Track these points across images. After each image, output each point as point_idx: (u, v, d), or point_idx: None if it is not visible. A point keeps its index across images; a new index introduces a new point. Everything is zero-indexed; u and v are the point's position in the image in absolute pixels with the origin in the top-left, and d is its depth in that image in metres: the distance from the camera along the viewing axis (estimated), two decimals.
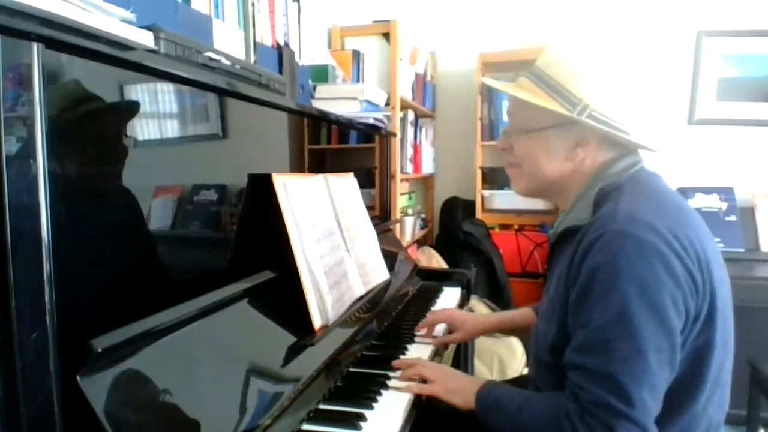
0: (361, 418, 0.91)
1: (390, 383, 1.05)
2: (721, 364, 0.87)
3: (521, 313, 1.38)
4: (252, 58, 1.35)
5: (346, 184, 1.43)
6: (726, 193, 2.62)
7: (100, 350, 0.60)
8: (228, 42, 1.23)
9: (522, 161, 1.01)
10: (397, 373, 1.09)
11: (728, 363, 0.90)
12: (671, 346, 0.79)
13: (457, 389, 1.02)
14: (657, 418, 0.80)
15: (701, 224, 0.89)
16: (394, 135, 2.15)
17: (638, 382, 0.77)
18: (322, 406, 0.95)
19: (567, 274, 0.88)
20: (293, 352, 0.96)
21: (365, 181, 1.77)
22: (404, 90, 2.51)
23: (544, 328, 0.97)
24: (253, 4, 1.37)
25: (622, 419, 0.77)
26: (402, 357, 1.18)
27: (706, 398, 0.85)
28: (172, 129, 0.84)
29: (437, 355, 1.33)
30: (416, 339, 1.34)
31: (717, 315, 0.84)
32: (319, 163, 1.46)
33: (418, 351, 1.26)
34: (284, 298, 1.03)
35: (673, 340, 0.79)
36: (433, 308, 1.60)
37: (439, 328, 1.39)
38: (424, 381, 1.05)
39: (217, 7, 1.23)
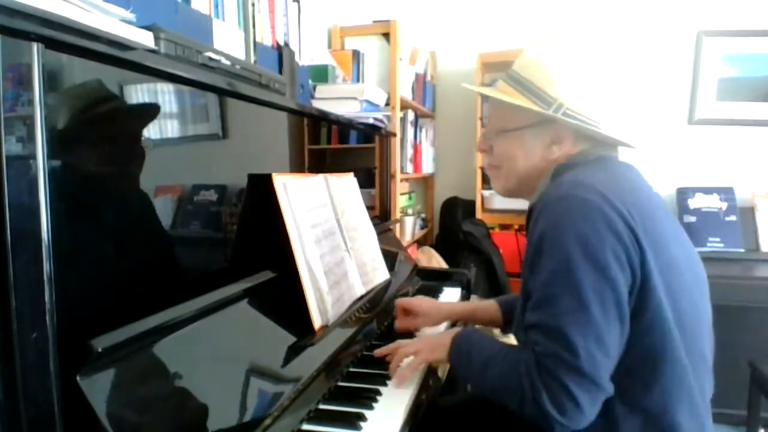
0: (361, 418, 0.91)
1: (389, 382, 1.05)
2: (689, 337, 0.86)
3: (488, 304, 1.35)
4: (252, 58, 1.35)
5: (346, 184, 1.43)
6: (726, 193, 2.62)
7: (100, 350, 0.60)
8: (228, 42, 1.23)
9: (501, 162, 1.05)
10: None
11: (706, 341, 0.90)
12: (616, 298, 0.80)
13: (437, 344, 1.05)
14: (633, 390, 0.83)
15: (658, 207, 0.91)
16: (394, 135, 2.15)
17: (583, 334, 0.79)
18: (322, 406, 0.95)
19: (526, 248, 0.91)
20: (293, 352, 0.96)
21: (365, 181, 1.77)
22: (404, 90, 2.51)
23: (519, 315, 0.99)
24: (253, 4, 1.37)
25: (571, 371, 0.79)
26: (383, 348, 1.14)
27: (680, 371, 0.85)
28: (171, 129, 0.84)
29: None
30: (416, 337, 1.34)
31: (661, 281, 0.83)
32: (319, 163, 1.46)
33: None
34: (284, 298, 1.03)
35: (617, 292, 0.80)
36: None
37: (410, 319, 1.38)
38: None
39: (217, 7, 1.23)
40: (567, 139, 0.97)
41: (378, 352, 1.14)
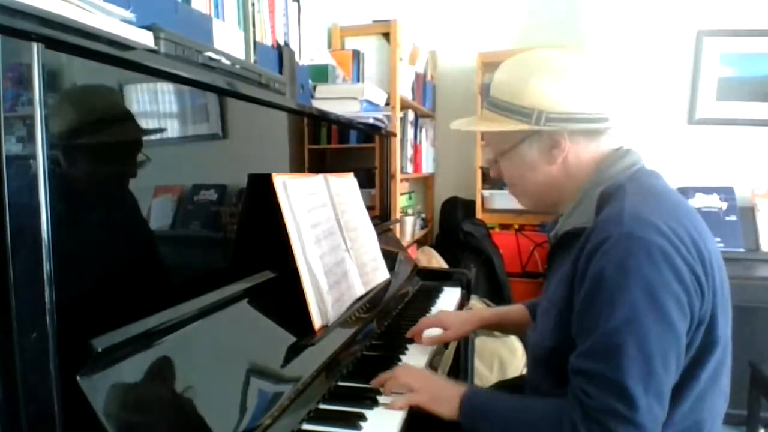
0: (362, 417, 0.91)
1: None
2: (720, 363, 0.87)
3: (516, 309, 1.35)
4: (252, 58, 1.35)
5: (346, 184, 1.43)
6: (726, 193, 2.61)
7: (100, 350, 0.60)
8: (228, 42, 1.23)
9: (514, 181, 1.05)
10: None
11: (727, 363, 0.90)
12: (677, 351, 0.80)
13: (440, 397, 0.97)
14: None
15: (702, 223, 0.89)
16: (394, 135, 2.15)
17: (645, 388, 0.77)
18: (322, 406, 0.95)
19: (571, 277, 0.87)
20: (293, 352, 0.96)
21: (365, 181, 1.77)
22: (404, 90, 2.51)
23: (542, 327, 0.98)
24: (253, 4, 1.37)
25: (626, 425, 0.77)
26: (382, 374, 1.04)
27: (697, 396, 0.85)
28: (172, 129, 0.84)
29: (438, 354, 1.33)
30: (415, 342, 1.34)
31: (718, 315, 0.84)
32: (319, 163, 1.46)
33: (418, 351, 1.26)
34: (284, 298, 1.03)
35: (679, 344, 0.80)
36: (432, 308, 1.60)
37: (435, 331, 1.34)
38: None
39: (217, 7, 1.23)
40: (563, 140, 0.95)
41: (374, 382, 1.03)
